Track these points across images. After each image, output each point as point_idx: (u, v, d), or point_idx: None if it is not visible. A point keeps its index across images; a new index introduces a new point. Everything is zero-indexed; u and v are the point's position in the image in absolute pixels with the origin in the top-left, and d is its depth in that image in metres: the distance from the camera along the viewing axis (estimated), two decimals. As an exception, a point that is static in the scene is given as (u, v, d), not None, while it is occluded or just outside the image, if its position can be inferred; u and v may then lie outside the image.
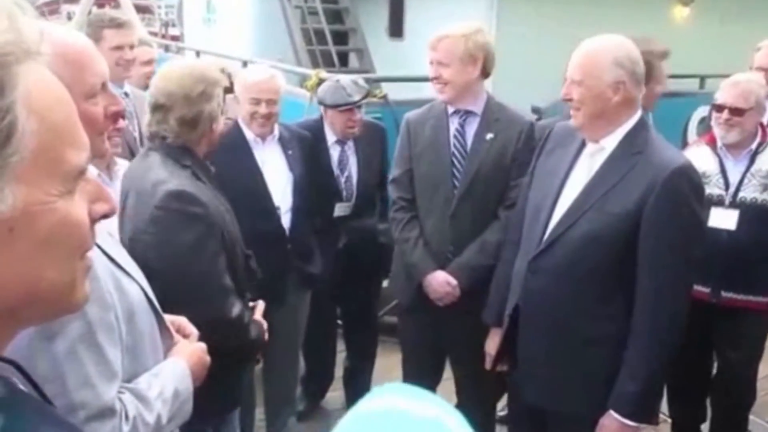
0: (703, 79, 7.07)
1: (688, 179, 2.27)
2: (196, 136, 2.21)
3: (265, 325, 2.37)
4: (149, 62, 4.08)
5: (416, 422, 0.60)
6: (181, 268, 2.08)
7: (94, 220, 0.79)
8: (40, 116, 0.68)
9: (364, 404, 0.63)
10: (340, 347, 4.13)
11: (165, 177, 2.13)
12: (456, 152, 3.08)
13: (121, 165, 2.69)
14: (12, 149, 0.65)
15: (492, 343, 2.78)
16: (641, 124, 2.37)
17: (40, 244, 0.70)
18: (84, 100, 1.39)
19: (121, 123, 2.55)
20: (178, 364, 1.55)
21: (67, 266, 0.74)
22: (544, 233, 2.43)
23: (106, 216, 0.83)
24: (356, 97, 3.49)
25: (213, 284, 2.16)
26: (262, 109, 3.21)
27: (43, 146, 0.68)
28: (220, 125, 2.25)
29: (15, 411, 0.28)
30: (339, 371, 4.12)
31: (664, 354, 2.31)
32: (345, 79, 3.68)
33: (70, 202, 0.72)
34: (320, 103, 3.63)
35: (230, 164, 2.60)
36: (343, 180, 3.66)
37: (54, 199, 0.70)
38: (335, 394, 4.13)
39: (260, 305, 2.40)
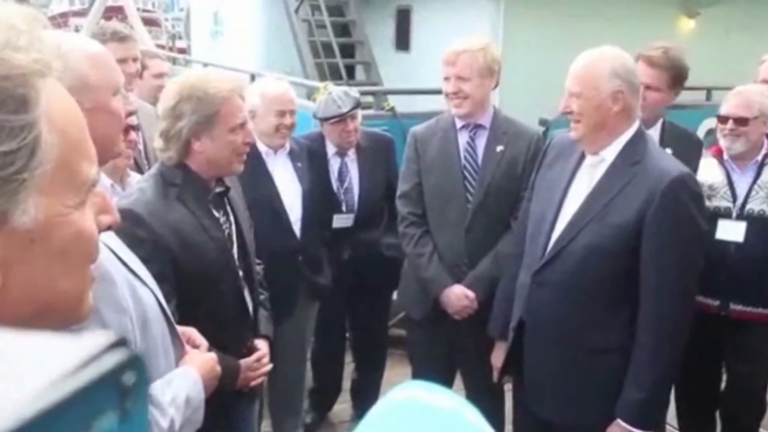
0: (709, 91, 7.08)
1: (687, 188, 2.29)
2: (175, 153, 2.16)
3: (242, 367, 2.26)
4: (160, 75, 4.09)
5: (436, 413, 0.61)
6: None
7: (99, 231, 0.80)
8: (59, 130, 0.69)
9: (383, 401, 0.64)
10: (348, 359, 4.13)
11: (132, 193, 2.13)
12: (468, 165, 3.09)
13: (134, 177, 2.72)
14: (36, 162, 0.67)
15: (497, 356, 2.78)
16: (639, 135, 2.39)
17: (57, 255, 0.71)
18: (113, 96, 1.43)
19: (133, 135, 2.58)
20: (189, 373, 1.57)
21: (78, 277, 0.75)
22: (546, 246, 2.44)
23: (109, 227, 0.84)
24: (345, 109, 3.48)
25: None
26: (287, 120, 3.24)
27: (62, 159, 0.70)
28: (208, 144, 2.15)
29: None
30: (347, 383, 4.12)
31: (669, 362, 2.33)
32: (337, 91, 3.69)
33: (83, 214, 0.74)
34: (314, 117, 3.64)
35: (245, 177, 2.62)
36: (342, 191, 3.67)
37: (70, 211, 0.72)
38: (343, 406, 4.12)
39: (260, 351, 2.33)
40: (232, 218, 2.32)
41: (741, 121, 3.19)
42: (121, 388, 0.30)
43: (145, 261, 1.99)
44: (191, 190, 2.17)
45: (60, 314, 0.75)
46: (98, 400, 0.29)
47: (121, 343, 0.30)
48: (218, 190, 2.27)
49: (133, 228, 1.96)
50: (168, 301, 1.92)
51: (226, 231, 2.28)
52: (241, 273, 2.30)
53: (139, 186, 2.19)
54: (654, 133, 3.09)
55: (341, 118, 3.50)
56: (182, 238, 2.10)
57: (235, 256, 2.29)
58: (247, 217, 2.45)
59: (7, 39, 0.66)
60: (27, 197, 0.67)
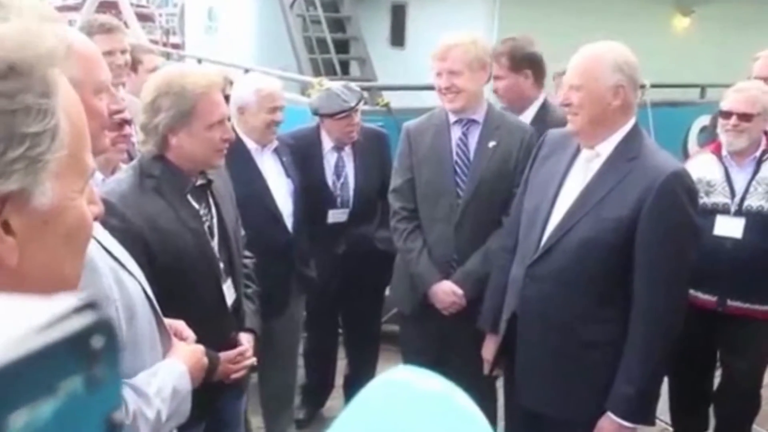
0: (703, 88, 7.09)
1: (683, 184, 2.30)
2: (154, 146, 2.17)
3: (221, 359, 2.23)
4: (154, 70, 4.07)
5: (425, 395, 0.60)
6: None
7: None
8: (70, 119, 0.74)
9: (372, 384, 0.63)
10: (341, 355, 4.12)
11: (108, 183, 2.18)
12: (459, 161, 3.08)
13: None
14: (56, 146, 0.71)
15: (488, 349, 2.78)
16: (636, 130, 2.39)
17: (64, 238, 0.75)
18: (92, 95, 1.43)
19: (127, 129, 2.57)
20: (176, 364, 1.56)
21: (78, 262, 0.79)
22: (540, 240, 2.45)
23: (96, 218, 0.87)
24: (352, 102, 3.46)
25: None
26: (278, 116, 3.22)
27: (72, 147, 0.74)
28: (185, 139, 2.16)
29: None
30: (339, 379, 4.11)
31: (660, 356, 2.34)
32: (336, 85, 3.66)
33: (82, 201, 0.78)
34: (315, 113, 3.60)
35: (235, 174, 2.60)
36: (338, 187, 3.65)
37: (75, 196, 0.76)
38: (335, 402, 4.11)
39: (242, 346, 2.33)
40: (214, 211, 2.32)
41: (745, 117, 3.19)
42: (88, 351, 0.28)
43: None
44: (169, 182, 2.18)
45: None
46: (63, 362, 0.27)
47: (90, 305, 0.29)
48: (199, 182, 2.26)
49: (105, 216, 1.95)
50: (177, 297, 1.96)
51: (206, 223, 2.27)
52: (222, 265, 2.30)
53: (116, 177, 2.22)
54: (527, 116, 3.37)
55: (347, 113, 3.48)
56: (156, 227, 2.11)
57: (216, 248, 2.28)
58: (233, 210, 2.44)
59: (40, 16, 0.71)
60: (46, 179, 0.71)
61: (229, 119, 2.29)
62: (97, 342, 0.29)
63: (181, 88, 2.11)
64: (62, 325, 0.28)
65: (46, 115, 0.70)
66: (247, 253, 2.64)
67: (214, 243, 2.29)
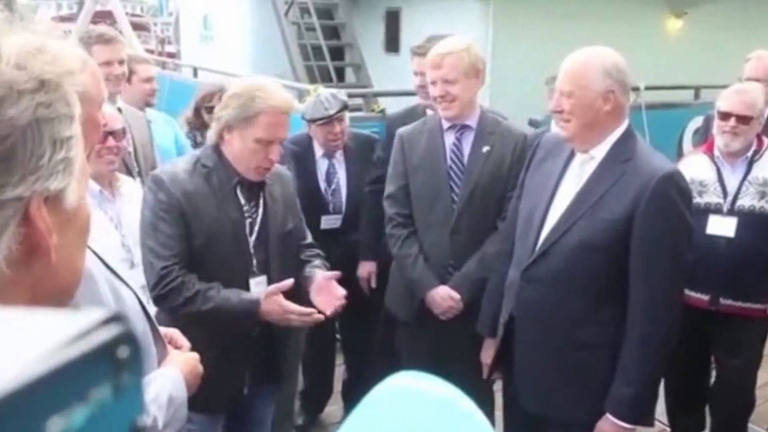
0: (697, 90, 7.13)
1: (676, 185, 2.30)
2: (214, 134, 2.42)
3: (279, 304, 2.37)
4: (148, 80, 4.09)
5: (429, 400, 0.62)
6: (141, 236, 2.40)
7: None
8: (79, 127, 0.80)
9: (376, 389, 0.65)
10: (339, 360, 4.13)
11: (167, 163, 2.54)
12: (453, 166, 3.08)
13: (123, 181, 2.72)
14: (78, 150, 0.78)
15: (486, 353, 2.79)
16: (629, 133, 2.40)
17: (78, 236, 0.82)
18: (98, 110, 1.46)
19: (111, 141, 2.60)
20: (171, 372, 1.57)
21: (84, 257, 0.85)
22: (536, 243, 2.45)
23: None
24: (332, 110, 3.48)
25: (152, 256, 2.36)
26: None
27: (83, 152, 0.81)
28: (236, 140, 2.37)
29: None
30: (338, 385, 4.12)
31: (658, 357, 2.35)
32: (325, 93, 3.69)
33: (87, 200, 0.84)
34: (302, 118, 3.64)
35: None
36: (330, 193, 3.67)
37: (84, 196, 0.82)
38: (334, 407, 4.12)
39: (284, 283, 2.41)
40: (261, 210, 2.48)
41: (744, 120, 3.21)
42: (115, 361, 0.31)
43: (164, 219, 2.32)
44: (218, 173, 2.42)
45: (71, 294, 0.84)
46: (93, 372, 0.30)
47: (115, 318, 0.31)
48: (253, 180, 2.44)
49: (156, 190, 2.35)
50: (181, 258, 2.30)
51: (249, 219, 2.45)
52: (255, 262, 2.46)
53: (175, 159, 2.58)
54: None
55: (328, 120, 3.50)
56: (195, 207, 2.36)
57: (251, 243, 2.45)
58: (288, 215, 2.60)
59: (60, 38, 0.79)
60: (73, 179, 0.77)
61: (281, 144, 2.48)
62: (123, 352, 0.31)
63: (252, 97, 2.34)
64: (91, 336, 0.30)
65: (73, 121, 0.77)
66: (317, 250, 2.79)
67: (252, 239, 2.45)
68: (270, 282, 2.46)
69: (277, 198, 2.54)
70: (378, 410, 0.63)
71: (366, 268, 3.69)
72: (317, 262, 2.70)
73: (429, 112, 3.45)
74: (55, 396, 0.28)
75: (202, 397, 1.66)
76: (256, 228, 2.46)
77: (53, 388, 0.28)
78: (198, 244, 2.35)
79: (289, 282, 2.36)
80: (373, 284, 3.67)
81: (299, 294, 2.57)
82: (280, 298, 2.35)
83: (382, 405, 0.63)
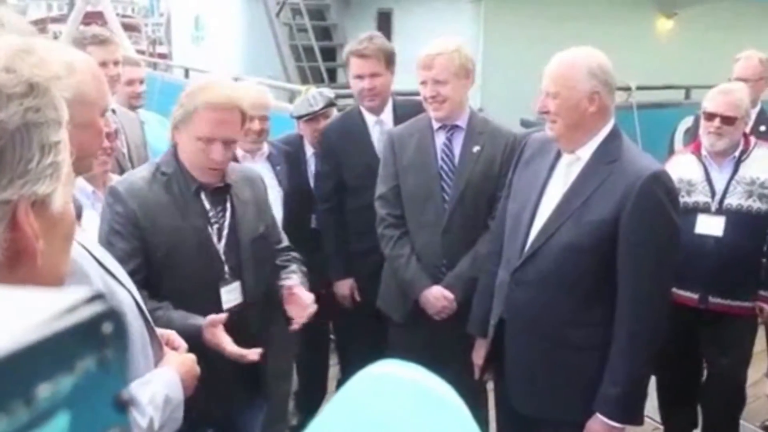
0: (688, 90, 7.16)
1: (663, 185, 2.32)
2: (170, 134, 2.34)
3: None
4: (131, 82, 3.98)
5: (402, 384, 0.63)
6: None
7: None
8: (66, 132, 0.81)
9: (358, 376, 0.66)
10: (333, 361, 4.13)
11: (126, 174, 2.40)
12: (444, 166, 3.09)
13: (116, 181, 2.72)
14: (67, 155, 0.79)
15: (478, 354, 2.80)
16: (615, 133, 2.41)
17: (62, 240, 0.82)
18: (99, 115, 1.48)
19: (107, 143, 2.60)
20: (168, 373, 1.57)
21: (68, 261, 0.85)
22: (525, 244, 2.46)
23: None
24: (317, 107, 3.51)
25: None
26: (255, 125, 3.21)
27: (68, 157, 0.82)
28: (184, 139, 2.30)
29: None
30: (332, 385, 4.12)
31: (645, 356, 2.36)
32: (313, 91, 3.72)
33: (72, 205, 0.84)
34: (291, 116, 3.68)
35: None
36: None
37: (69, 200, 0.82)
38: (328, 407, 4.12)
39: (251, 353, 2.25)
40: (228, 214, 2.38)
41: (728, 120, 3.23)
42: (100, 336, 0.32)
43: (119, 234, 2.20)
44: (178, 180, 2.31)
45: None
46: (79, 344, 0.31)
47: (100, 296, 0.33)
48: (216, 185, 2.35)
49: (112, 202, 2.25)
50: (135, 274, 2.03)
51: (216, 225, 2.34)
52: (227, 268, 2.35)
53: (136, 169, 2.45)
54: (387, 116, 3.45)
55: (313, 117, 3.53)
56: (153, 219, 2.24)
57: (221, 250, 2.34)
58: (259, 217, 2.50)
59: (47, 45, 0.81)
60: (60, 185, 0.78)
61: (234, 143, 2.35)
62: (107, 328, 0.33)
63: (195, 93, 2.26)
64: (77, 312, 0.32)
65: (60, 126, 0.77)
66: (293, 254, 2.70)
67: (221, 245, 2.35)
68: (244, 288, 2.39)
69: (246, 201, 2.45)
70: (354, 396, 0.64)
71: (345, 286, 3.59)
72: (293, 266, 2.62)
73: (372, 117, 3.47)
74: (43, 364, 0.29)
75: (187, 414, 1.62)
76: (225, 233, 2.36)
77: (42, 357, 0.29)
78: (160, 255, 2.24)
79: (222, 317, 2.19)
80: (357, 298, 3.59)
81: (274, 301, 2.52)
82: (218, 331, 2.18)
83: (358, 391, 0.64)
